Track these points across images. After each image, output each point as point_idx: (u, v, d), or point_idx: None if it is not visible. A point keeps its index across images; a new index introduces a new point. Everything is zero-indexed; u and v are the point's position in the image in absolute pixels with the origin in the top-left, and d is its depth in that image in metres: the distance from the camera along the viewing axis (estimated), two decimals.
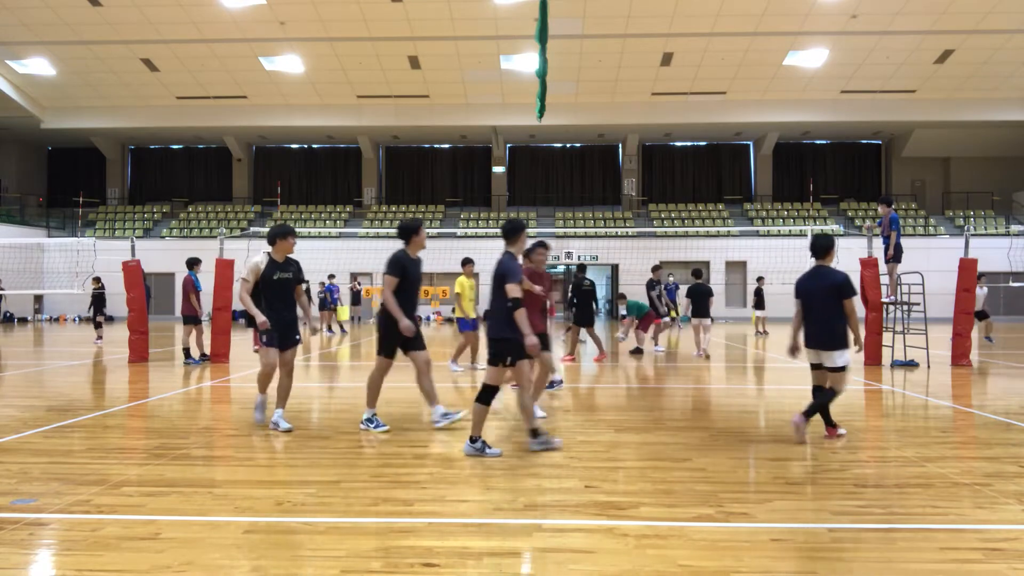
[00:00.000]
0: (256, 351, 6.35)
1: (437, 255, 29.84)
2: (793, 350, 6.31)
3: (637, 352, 14.50)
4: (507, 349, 5.56)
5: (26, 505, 4.31)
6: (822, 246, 6.21)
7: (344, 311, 22.58)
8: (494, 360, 5.61)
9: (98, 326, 17.96)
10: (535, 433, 5.69)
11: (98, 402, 8.37)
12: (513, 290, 5.49)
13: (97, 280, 17.73)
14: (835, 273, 6.13)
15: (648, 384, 10.24)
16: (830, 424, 6.24)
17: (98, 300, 18.13)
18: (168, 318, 27.85)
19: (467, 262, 11.25)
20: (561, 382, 9.42)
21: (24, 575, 3.39)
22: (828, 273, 6.14)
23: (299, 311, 6.78)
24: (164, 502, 4.38)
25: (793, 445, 5.98)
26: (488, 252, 12.91)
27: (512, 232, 5.81)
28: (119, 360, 13.07)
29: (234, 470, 5.23)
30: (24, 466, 5.23)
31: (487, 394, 5.56)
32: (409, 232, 6.52)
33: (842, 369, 6.04)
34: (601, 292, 35.56)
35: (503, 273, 5.57)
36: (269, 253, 6.51)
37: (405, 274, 6.38)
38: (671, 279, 23.62)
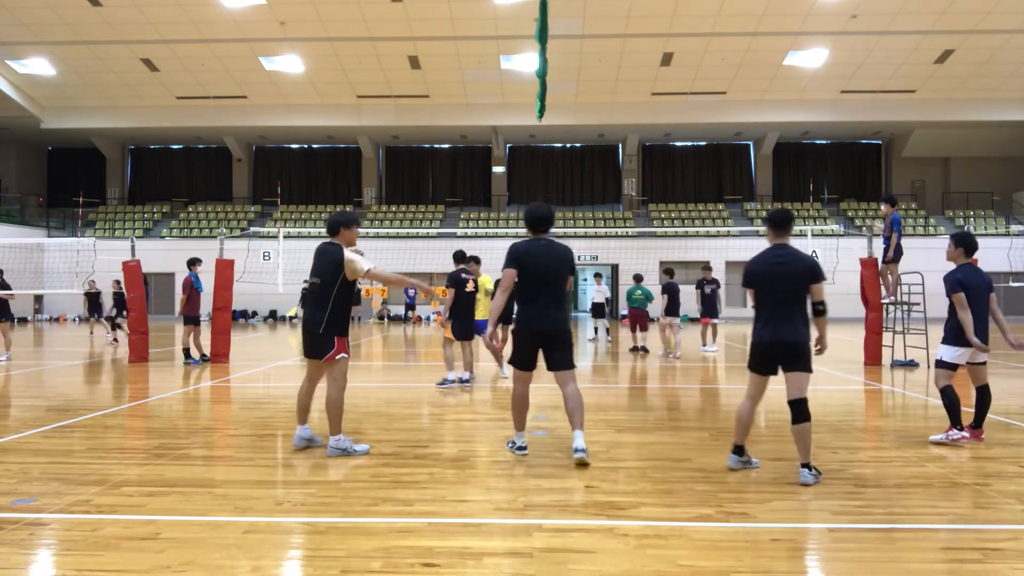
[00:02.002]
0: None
1: (437, 255, 29.80)
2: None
3: (643, 350, 14.56)
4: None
5: (26, 505, 4.31)
6: (976, 244, 6.23)
7: None
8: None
9: (116, 327, 17.56)
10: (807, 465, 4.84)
11: (98, 402, 8.37)
12: (819, 292, 4.95)
13: (118, 283, 17.28)
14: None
15: (648, 384, 10.23)
16: (980, 425, 6.12)
17: (118, 300, 17.34)
18: (168, 318, 27.84)
19: (474, 260, 10.11)
20: (456, 381, 9.43)
21: (24, 575, 3.39)
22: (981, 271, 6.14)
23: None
24: (164, 502, 4.38)
25: (793, 445, 5.97)
26: (488, 252, 12.90)
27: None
28: (119, 360, 13.07)
29: (234, 470, 5.23)
30: (24, 466, 5.23)
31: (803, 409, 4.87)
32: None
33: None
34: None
35: (811, 269, 4.98)
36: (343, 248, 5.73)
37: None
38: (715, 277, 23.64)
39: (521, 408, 5.58)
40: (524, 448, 5.63)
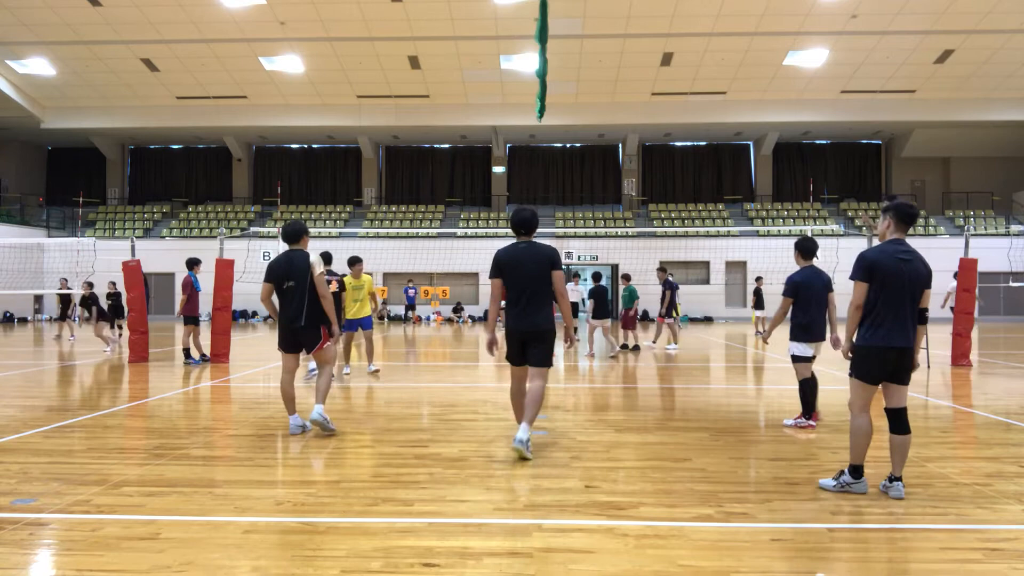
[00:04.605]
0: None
1: (437, 255, 29.89)
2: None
3: (634, 349, 14.68)
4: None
5: (26, 505, 4.31)
6: (813, 247, 6.86)
7: None
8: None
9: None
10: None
11: (98, 402, 8.37)
12: (928, 297, 4.68)
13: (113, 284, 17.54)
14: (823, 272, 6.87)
15: (648, 384, 10.23)
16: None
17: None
18: (168, 318, 27.85)
19: (357, 262, 10.66)
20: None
21: (24, 575, 3.39)
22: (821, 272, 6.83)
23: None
24: (164, 502, 4.38)
25: (793, 445, 5.99)
26: (488, 252, 12.86)
27: None
28: (119, 360, 13.07)
29: (234, 470, 5.23)
30: (24, 466, 5.23)
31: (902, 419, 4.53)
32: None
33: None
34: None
35: (930, 271, 4.62)
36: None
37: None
38: (671, 279, 23.73)
39: (520, 403, 5.70)
40: (524, 440, 5.48)
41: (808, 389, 6.68)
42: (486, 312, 8.87)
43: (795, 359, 6.73)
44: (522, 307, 5.55)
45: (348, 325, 10.57)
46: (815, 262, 6.86)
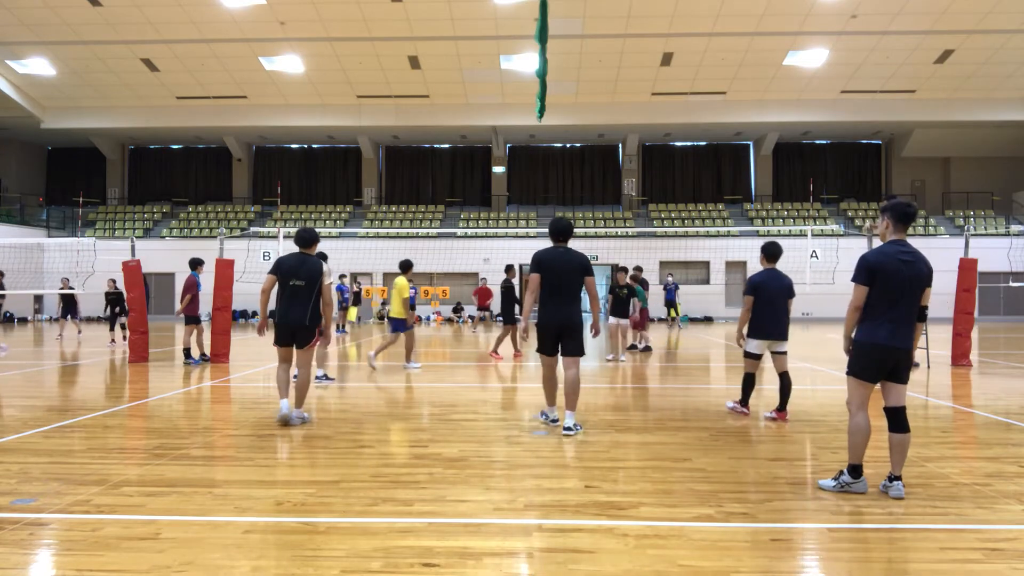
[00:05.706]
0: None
1: (437, 255, 29.89)
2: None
3: (633, 348, 14.68)
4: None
5: (26, 505, 4.31)
6: (777, 251, 7.29)
7: (353, 311, 22.84)
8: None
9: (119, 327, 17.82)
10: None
11: (98, 402, 8.37)
12: (928, 296, 4.77)
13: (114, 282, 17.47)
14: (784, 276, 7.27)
15: (648, 384, 10.23)
16: (784, 408, 7.23)
17: None
18: (168, 318, 27.85)
19: (410, 266, 11.38)
20: (324, 377, 10.00)
21: (24, 575, 3.39)
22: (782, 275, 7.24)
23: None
24: (164, 502, 4.38)
25: (793, 445, 5.99)
26: (487, 252, 12.86)
27: None
28: (119, 360, 13.07)
29: (234, 470, 5.23)
30: (24, 466, 5.23)
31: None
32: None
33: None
34: (601, 292, 35.61)
35: (931, 272, 4.62)
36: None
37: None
38: (671, 279, 23.70)
39: (550, 387, 6.69)
40: (557, 420, 6.63)
41: (749, 383, 7.22)
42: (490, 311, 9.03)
43: (746, 354, 7.21)
44: (556, 303, 6.40)
45: (404, 325, 11.42)
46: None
